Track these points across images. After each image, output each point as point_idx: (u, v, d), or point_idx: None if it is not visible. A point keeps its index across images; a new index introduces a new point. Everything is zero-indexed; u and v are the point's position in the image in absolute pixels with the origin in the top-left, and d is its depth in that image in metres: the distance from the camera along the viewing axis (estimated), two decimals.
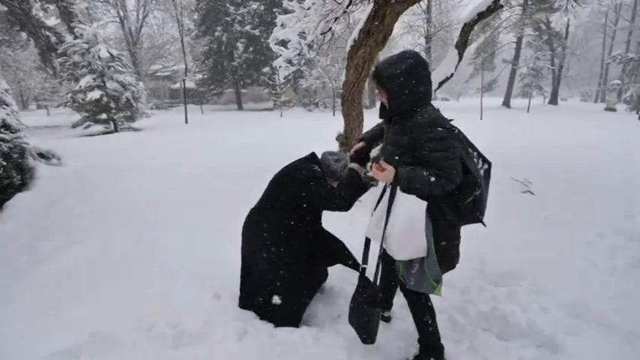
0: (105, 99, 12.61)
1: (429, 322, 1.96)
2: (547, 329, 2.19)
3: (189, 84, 28.08)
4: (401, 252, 1.77)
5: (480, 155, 1.85)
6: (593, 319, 2.26)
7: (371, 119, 6.23)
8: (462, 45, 5.34)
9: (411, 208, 1.71)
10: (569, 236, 3.49)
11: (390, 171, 1.75)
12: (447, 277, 2.71)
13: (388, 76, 1.76)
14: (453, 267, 1.94)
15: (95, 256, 3.08)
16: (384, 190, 1.96)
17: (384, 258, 1.93)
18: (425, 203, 1.70)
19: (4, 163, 4.07)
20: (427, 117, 1.71)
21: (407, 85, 1.73)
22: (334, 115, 21.85)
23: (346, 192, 2.28)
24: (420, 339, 2.03)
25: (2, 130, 4.27)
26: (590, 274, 2.82)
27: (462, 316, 2.38)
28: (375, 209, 1.96)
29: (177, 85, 30.26)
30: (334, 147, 5.30)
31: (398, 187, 1.76)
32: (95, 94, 12.45)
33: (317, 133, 11.56)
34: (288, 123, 15.38)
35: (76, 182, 5.22)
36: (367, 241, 1.99)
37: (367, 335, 1.92)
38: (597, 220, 3.88)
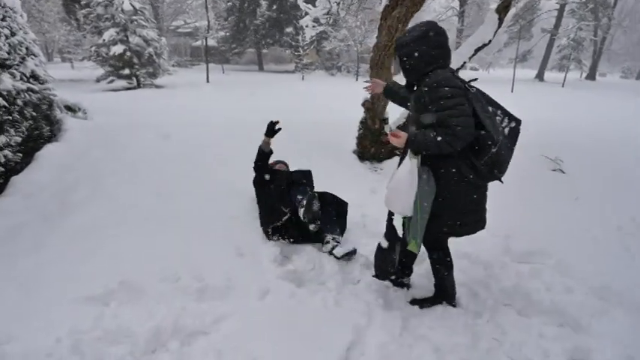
0: (128, 54, 12.55)
1: (445, 273, 2.16)
2: (571, 309, 2.16)
3: (211, 42, 27.55)
4: (389, 205, 2.00)
5: (505, 113, 1.88)
6: (622, 304, 2.20)
7: None
8: (503, 9, 4.97)
9: (403, 168, 1.85)
10: (600, 219, 3.36)
11: (402, 136, 1.82)
12: (469, 250, 2.71)
13: (400, 44, 1.89)
14: (477, 230, 1.99)
15: (121, 210, 3.15)
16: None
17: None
18: (414, 162, 1.80)
19: (34, 114, 4.14)
20: (434, 78, 1.77)
21: (418, 50, 1.83)
22: (357, 80, 21.27)
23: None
24: (436, 283, 2.24)
25: (32, 80, 4.30)
26: (621, 258, 2.73)
27: (484, 290, 2.36)
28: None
29: (199, 43, 29.81)
30: (361, 113, 5.17)
31: (408, 152, 1.85)
32: (118, 49, 12.39)
33: (344, 98, 11.36)
34: (311, 86, 15.05)
35: (102, 136, 5.29)
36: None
37: (379, 272, 2.34)
38: (630, 204, 3.71)
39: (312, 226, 2.64)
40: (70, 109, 6.49)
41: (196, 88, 13.06)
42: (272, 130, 3.18)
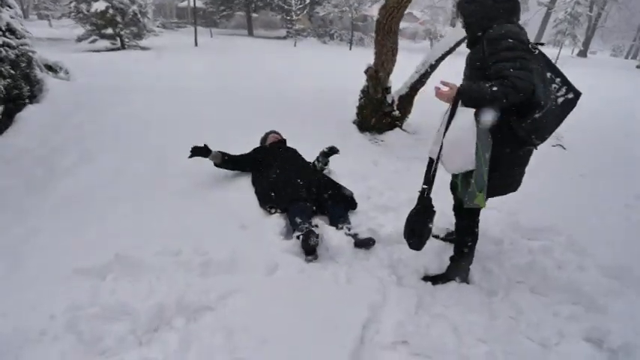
0: (111, 11, 11.79)
1: (469, 244, 2.10)
2: (585, 288, 2.11)
3: (198, 3, 26.17)
4: (450, 164, 1.82)
5: (564, 82, 1.76)
6: (637, 284, 2.17)
7: (402, 52, 5.72)
8: None
9: (461, 119, 1.70)
10: (606, 196, 3.32)
11: (452, 87, 1.73)
12: (480, 226, 2.64)
13: None
14: (508, 191, 1.96)
15: (112, 177, 2.95)
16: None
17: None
18: (472, 111, 1.67)
19: (13, 72, 3.80)
20: (498, 30, 1.68)
21: (482, 5, 1.76)
22: (351, 49, 20.65)
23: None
24: (453, 257, 2.17)
25: (7, 34, 3.92)
26: (632, 236, 2.70)
27: (496, 266, 2.30)
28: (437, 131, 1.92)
29: (185, 4, 28.28)
30: (358, 82, 4.95)
31: (459, 104, 1.73)
32: (100, 5, 11.60)
33: (339, 66, 11.00)
34: (304, 53, 14.52)
35: (86, 98, 4.96)
36: (430, 162, 1.95)
37: (414, 241, 1.98)
38: (635, 182, 3.68)
39: (308, 257, 2.23)
40: (50, 68, 6.06)
41: (184, 51, 12.45)
42: (198, 152, 2.89)
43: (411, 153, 4.56)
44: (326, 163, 3.28)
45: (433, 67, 4.88)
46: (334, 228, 2.44)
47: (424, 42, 22.12)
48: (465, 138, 1.70)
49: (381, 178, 3.48)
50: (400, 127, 5.15)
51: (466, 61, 1.89)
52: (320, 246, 2.27)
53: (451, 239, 2.56)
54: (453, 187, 2.11)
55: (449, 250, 2.47)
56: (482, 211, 2.06)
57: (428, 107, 5.91)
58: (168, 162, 3.29)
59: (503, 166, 1.82)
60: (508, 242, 2.57)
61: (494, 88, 1.59)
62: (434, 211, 1.97)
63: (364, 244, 2.31)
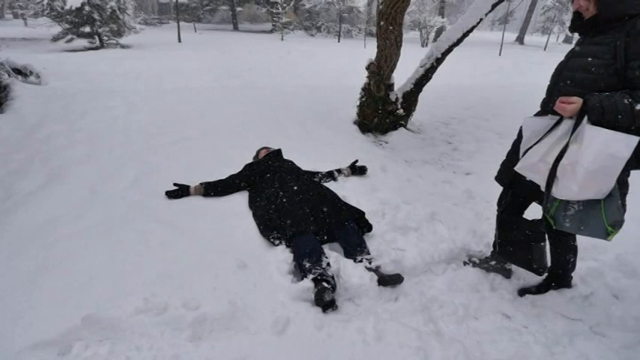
0: (87, 8, 11.09)
1: (572, 260, 1.95)
2: None
3: None
4: (582, 191, 1.51)
5: None
6: None
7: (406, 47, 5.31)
8: None
9: (614, 146, 1.42)
10: None
11: (576, 101, 1.49)
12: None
13: None
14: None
15: (83, 203, 2.51)
16: (553, 127, 1.63)
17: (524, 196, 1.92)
18: (637, 140, 1.40)
19: None
20: None
21: None
22: (339, 41, 20.14)
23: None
24: (553, 270, 2.00)
25: None
26: None
27: (550, 302, 1.94)
28: (531, 147, 1.68)
29: None
30: (364, 76, 4.53)
31: (585, 121, 1.49)
32: (75, 2, 10.91)
33: (332, 60, 10.53)
34: (293, 48, 13.98)
35: (58, 106, 4.46)
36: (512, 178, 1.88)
37: (539, 266, 1.89)
38: None
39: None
40: (19, 72, 5.53)
41: (168, 48, 11.83)
42: (175, 195, 2.63)
43: (419, 156, 4.19)
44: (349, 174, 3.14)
45: (439, 60, 4.50)
46: (352, 261, 2.05)
47: (412, 32, 21.64)
48: (615, 167, 1.43)
49: (392, 189, 3.09)
50: (404, 126, 4.77)
51: (574, 54, 1.63)
52: (337, 285, 1.87)
53: (487, 267, 2.20)
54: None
55: (485, 280, 2.11)
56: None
57: (431, 104, 5.58)
58: (150, 180, 2.86)
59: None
60: None
61: (638, 107, 1.38)
62: (540, 230, 1.85)
63: (390, 281, 1.93)
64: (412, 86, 4.56)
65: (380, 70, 4.17)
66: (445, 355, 1.54)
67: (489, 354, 1.63)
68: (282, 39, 18.65)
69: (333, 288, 1.81)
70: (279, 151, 3.06)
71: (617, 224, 1.52)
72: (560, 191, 1.58)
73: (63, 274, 1.82)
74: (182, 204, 2.54)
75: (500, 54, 16.27)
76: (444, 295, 1.99)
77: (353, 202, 2.70)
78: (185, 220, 2.32)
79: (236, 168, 2.94)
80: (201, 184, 2.68)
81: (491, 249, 2.25)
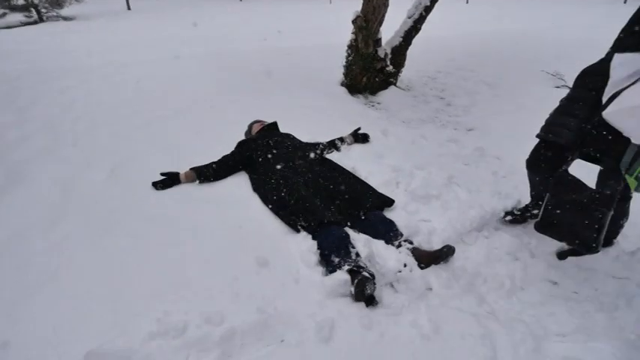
0: None
1: (624, 224, 1.83)
2: None
3: None
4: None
5: None
6: None
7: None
8: None
9: None
10: None
11: None
12: None
13: None
14: None
15: (58, 205, 2.13)
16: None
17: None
18: None
19: None
20: None
21: None
22: (331, 2, 18.98)
23: None
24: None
25: None
26: None
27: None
28: (621, 90, 1.40)
29: None
30: (340, 37, 4.14)
31: None
32: None
33: (314, 19, 9.79)
34: (270, 9, 13.00)
35: (2, 92, 3.85)
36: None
37: (596, 242, 1.55)
38: None
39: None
40: None
41: (117, 18, 10.68)
42: (163, 186, 2.27)
43: (415, 115, 3.95)
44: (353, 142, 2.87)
45: (428, 9, 4.16)
46: (383, 242, 1.83)
47: None
48: None
49: (399, 153, 2.86)
50: (395, 84, 4.48)
51: None
52: (374, 272, 1.66)
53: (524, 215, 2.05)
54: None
55: (522, 246, 1.96)
56: None
57: (414, 58, 5.27)
58: (130, 171, 2.48)
59: None
60: None
61: None
62: (613, 195, 1.55)
63: (441, 256, 1.75)
64: (401, 40, 4.23)
65: (367, 24, 3.80)
66: (512, 340, 1.38)
67: (552, 329, 1.49)
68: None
69: (372, 276, 1.59)
70: (274, 124, 2.73)
71: None
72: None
73: (47, 302, 1.49)
74: (174, 195, 2.21)
75: (467, 2, 15.89)
76: (485, 267, 1.83)
77: (363, 174, 2.47)
78: (182, 214, 2.01)
79: (225, 147, 2.60)
80: (191, 169, 2.34)
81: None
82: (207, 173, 2.33)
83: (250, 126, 2.81)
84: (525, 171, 2.03)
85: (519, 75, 5.17)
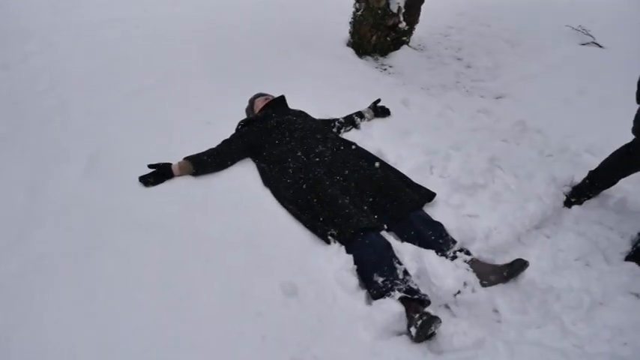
0: None
1: None
2: None
3: None
4: None
5: None
6: None
7: None
8: None
9: None
10: None
11: None
12: None
13: None
14: None
15: (24, 212, 1.71)
16: None
17: None
18: None
19: None
20: None
21: None
22: None
23: None
24: None
25: None
26: None
27: None
28: None
29: None
30: None
31: None
32: None
33: None
34: None
35: None
36: None
37: None
38: None
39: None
40: None
41: None
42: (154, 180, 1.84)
43: (434, 80, 3.50)
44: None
45: None
46: (434, 252, 1.49)
47: None
48: None
49: (426, 129, 2.48)
50: (407, 43, 3.97)
51: None
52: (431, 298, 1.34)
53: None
54: None
55: (593, 247, 1.65)
56: None
57: (423, 11, 4.71)
58: (112, 161, 2.04)
59: None
60: None
61: None
62: None
63: (513, 273, 1.42)
64: None
65: None
66: None
67: None
68: None
69: (428, 302, 1.27)
70: (282, 99, 2.27)
71: None
72: None
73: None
74: (168, 192, 1.79)
75: None
76: (552, 277, 1.53)
77: (392, 157, 2.09)
78: (180, 222, 1.61)
79: (224, 128, 2.17)
80: (186, 159, 1.91)
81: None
82: (206, 163, 1.91)
83: (252, 101, 2.35)
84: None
85: (540, 30, 4.66)
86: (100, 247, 1.51)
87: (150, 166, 1.88)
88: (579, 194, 1.89)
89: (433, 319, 1.18)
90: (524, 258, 1.51)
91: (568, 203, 1.89)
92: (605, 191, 1.90)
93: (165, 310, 1.26)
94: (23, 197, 1.80)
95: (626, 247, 1.66)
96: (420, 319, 1.18)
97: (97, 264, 1.44)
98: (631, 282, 1.50)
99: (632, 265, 1.57)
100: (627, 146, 1.73)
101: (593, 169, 1.88)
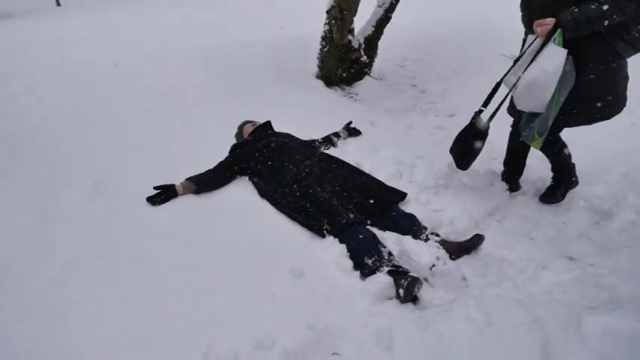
0: None
1: (568, 161, 2.15)
2: None
3: None
4: (521, 102, 1.82)
5: None
6: None
7: None
8: None
9: (547, 62, 1.64)
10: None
11: (549, 22, 1.64)
12: None
13: None
14: (616, 113, 1.85)
15: (39, 230, 1.86)
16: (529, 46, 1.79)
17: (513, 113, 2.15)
18: (564, 55, 1.61)
19: None
20: None
21: None
22: None
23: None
24: (556, 174, 2.20)
25: None
26: None
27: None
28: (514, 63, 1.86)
29: None
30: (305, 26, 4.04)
31: (552, 40, 1.65)
32: None
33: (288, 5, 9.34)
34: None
35: None
36: (496, 87, 1.99)
37: (461, 161, 2.12)
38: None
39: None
40: None
41: (47, 15, 9.62)
42: (160, 200, 2.05)
43: (395, 104, 3.97)
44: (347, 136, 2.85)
45: None
46: (410, 237, 1.81)
47: None
48: (545, 82, 1.64)
49: (393, 145, 2.87)
50: (369, 74, 4.47)
51: None
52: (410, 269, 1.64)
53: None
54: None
55: (534, 225, 2.05)
56: None
57: (381, 46, 5.30)
58: (116, 185, 2.23)
59: (613, 84, 1.77)
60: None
61: (605, 7, 1.52)
62: (486, 133, 2.02)
63: (472, 246, 1.77)
64: (373, 29, 4.20)
65: (342, 14, 3.72)
66: (559, 321, 1.41)
67: (584, 304, 1.56)
68: None
69: (421, 283, 1.57)
70: (268, 124, 2.59)
71: (543, 133, 1.80)
72: (515, 100, 1.88)
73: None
74: (177, 209, 2.01)
75: None
76: (506, 250, 1.89)
77: (367, 168, 2.43)
78: (193, 230, 1.84)
79: (218, 152, 2.44)
80: (188, 179, 2.15)
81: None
82: (206, 183, 2.16)
83: (241, 127, 2.65)
84: None
85: (480, 59, 5.36)
86: (117, 256, 1.69)
87: (155, 188, 2.09)
88: (510, 181, 2.37)
89: (416, 280, 1.48)
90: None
91: (511, 190, 2.34)
92: (540, 184, 2.34)
93: (189, 299, 1.47)
94: (35, 220, 1.95)
95: (561, 225, 2.07)
96: (406, 281, 1.47)
97: (116, 270, 1.61)
98: (565, 249, 1.89)
99: (564, 235, 1.96)
100: (512, 127, 2.29)
101: None
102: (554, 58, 1.64)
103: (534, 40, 1.77)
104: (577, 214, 2.10)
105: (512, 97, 1.96)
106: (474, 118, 2.04)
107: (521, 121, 1.98)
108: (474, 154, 2.06)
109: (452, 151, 2.17)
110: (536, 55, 1.71)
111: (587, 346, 1.36)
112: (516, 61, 1.86)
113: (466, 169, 2.16)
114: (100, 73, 4.11)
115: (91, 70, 4.17)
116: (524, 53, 1.82)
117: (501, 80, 1.95)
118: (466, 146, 2.05)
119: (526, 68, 1.73)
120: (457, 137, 2.12)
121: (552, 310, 1.48)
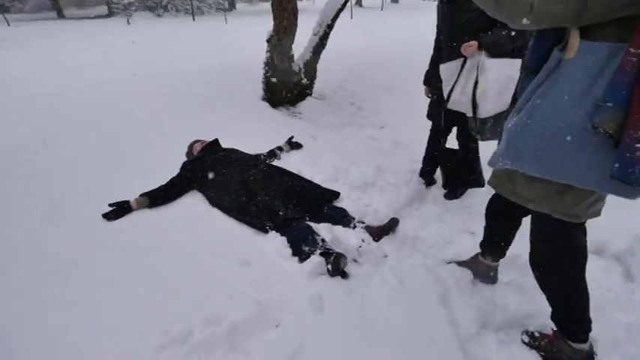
0: None
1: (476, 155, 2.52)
2: None
3: None
4: (494, 108, 1.98)
5: None
6: None
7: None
8: None
9: (506, 69, 1.90)
10: None
11: (474, 44, 1.96)
12: None
13: None
14: None
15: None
16: (462, 67, 2.07)
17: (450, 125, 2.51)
18: (519, 61, 1.77)
19: None
20: None
21: None
22: (194, 19, 18.76)
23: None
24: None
25: None
26: None
27: None
28: (452, 87, 2.11)
29: None
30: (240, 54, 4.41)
31: (483, 56, 1.96)
32: None
33: (201, 40, 9.65)
34: (149, 31, 12.46)
35: None
36: (445, 112, 2.30)
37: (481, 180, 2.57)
38: None
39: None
40: None
41: None
42: (115, 215, 2.26)
43: (335, 120, 4.39)
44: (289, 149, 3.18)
45: (330, 27, 4.66)
46: (341, 226, 2.15)
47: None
48: (510, 84, 1.74)
49: (332, 154, 3.23)
50: (310, 94, 4.89)
51: (458, 18, 2.08)
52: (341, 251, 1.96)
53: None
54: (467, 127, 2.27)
55: (443, 210, 2.47)
56: None
57: (322, 69, 5.79)
58: (73, 206, 2.38)
59: None
60: None
61: (513, 33, 1.90)
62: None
63: (390, 228, 2.14)
64: (311, 54, 4.66)
65: (281, 42, 4.13)
66: (455, 279, 1.78)
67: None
68: (128, 23, 16.42)
69: (347, 259, 1.89)
70: (216, 141, 2.87)
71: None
72: (481, 112, 2.05)
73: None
74: (133, 223, 2.21)
75: (351, 17, 17.29)
76: (420, 231, 2.27)
77: (308, 174, 2.77)
78: (150, 239, 2.05)
79: (170, 169, 2.66)
80: (142, 195, 2.36)
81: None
82: (159, 197, 2.38)
83: (191, 146, 2.90)
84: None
85: (410, 78, 5.98)
86: (83, 267, 1.86)
87: (110, 205, 2.28)
88: (426, 176, 2.82)
89: (341, 255, 1.80)
90: (402, 224, 2.28)
91: (426, 185, 2.80)
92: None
93: (155, 287, 1.68)
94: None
95: (466, 208, 2.50)
96: (332, 257, 1.79)
97: (85, 276, 1.79)
98: (467, 226, 2.31)
99: (468, 215, 2.39)
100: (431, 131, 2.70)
101: None
102: (515, 66, 1.78)
103: (464, 61, 2.03)
104: (479, 199, 2.55)
105: (432, 103, 2.60)
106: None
107: (477, 127, 2.10)
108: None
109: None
110: (478, 73, 1.97)
111: (478, 294, 1.74)
112: (448, 85, 2.13)
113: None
114: (40, 107, 4.15)
115: (32, 105, 4.21)
116: (459, 76, 2.06)
117: (447, 103, 2.18)
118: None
119: (476, 84, 1.98)
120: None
121: (451, 271, 1.86)
